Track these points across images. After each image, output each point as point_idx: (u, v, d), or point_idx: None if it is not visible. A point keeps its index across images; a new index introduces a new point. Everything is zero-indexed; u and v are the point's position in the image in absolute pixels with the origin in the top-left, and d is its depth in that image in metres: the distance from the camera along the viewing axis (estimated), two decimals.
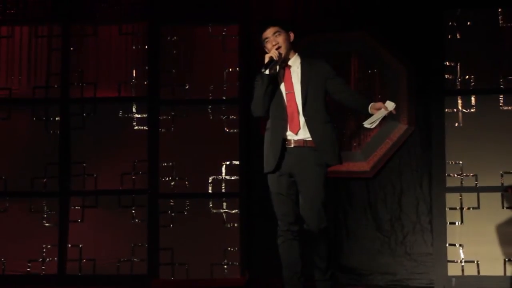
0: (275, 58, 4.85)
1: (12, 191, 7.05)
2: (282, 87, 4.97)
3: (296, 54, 5.04)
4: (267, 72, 4.85)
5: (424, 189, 6.78)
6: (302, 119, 4.92)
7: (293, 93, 4.93)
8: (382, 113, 4.76)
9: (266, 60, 4.86)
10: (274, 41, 4.93)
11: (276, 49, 4.89)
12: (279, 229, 5.07)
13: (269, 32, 4.96)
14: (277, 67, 4.95)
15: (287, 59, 4.99)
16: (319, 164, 4.89)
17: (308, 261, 5.09)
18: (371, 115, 4.81)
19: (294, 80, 4.96)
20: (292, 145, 4.92)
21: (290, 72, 4.98)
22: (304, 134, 4.91)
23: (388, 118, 4.89)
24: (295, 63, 5.01)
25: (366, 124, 4.82)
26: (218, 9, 7.00)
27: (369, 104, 4.82)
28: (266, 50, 4.97)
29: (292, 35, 5.00)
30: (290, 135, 4.92)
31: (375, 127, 4.92)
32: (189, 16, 7.04)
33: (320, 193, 4.87)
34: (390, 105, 4.75)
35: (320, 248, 4.91)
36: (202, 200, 6.94)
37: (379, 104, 4.77)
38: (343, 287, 6.58)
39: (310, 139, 4.90)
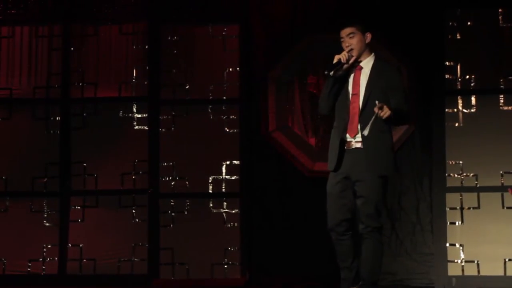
0: (342, 60, 4.86)
1: (13, 191, 7.06)
2: (350, 87, 4.96)
3: (372, 55, 5.00)
4: (331, 73, 4.87)
5: (425, 189, 6.78)
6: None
7: (358, 95, 4.91)
8: (372, 119, 4.76)
9: (335, 61, 4.88)
10: (347, 43, 4.94)
11: (348, 51, 4.90)
12: (328, 227, 5.05)
13: (344, 33, 4.96)
14: (343, 69, 4.90)
15: (359, 60, 4.96)
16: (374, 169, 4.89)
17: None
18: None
19: (362, 82, 4.94)
20: (351, 147, 4.92)
21: (360, 74, 4.97)
22: (361, 137, 4.90)
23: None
24: (367, 65, 4.98)
25: (365, 131, 4.83)
26: (219, 9, 7.01)
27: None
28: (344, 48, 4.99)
29: (369, 36, 4.97)
30: (349, 137, 4.92)
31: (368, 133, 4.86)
32: (189, 16, 7.05)
33: (374, 195, 4.86)
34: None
35: (366, 250, 4.92)
36: (202, 200, 6.95)
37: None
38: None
39: None
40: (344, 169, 4.91)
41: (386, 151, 4.90)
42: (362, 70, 4.97)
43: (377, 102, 4.70)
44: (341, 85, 4.95)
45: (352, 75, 4.97)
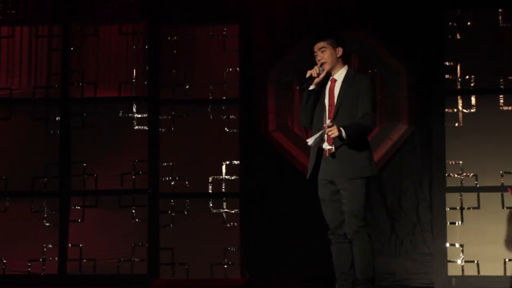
0: (313, 75, 4.99)
1: (13, 191, 7.07)
2: (326, 99, 5.08)
3: (345, 67, 5.12)
4: (303, 88, 5.01)
5: (424, 189, 6.78)
6: None
7: (334, 106, 5.03)
8: (320, 132, 4.90)
9: (307, 75, 5.02)
10: (319, 56, 5.07)
11: (321, 65, 5.02)
12: (328, 232, 5.15)
13: (316, 47, 5.10)
14: (314, 82, 5.01)
15: (331, 73, 5.07)
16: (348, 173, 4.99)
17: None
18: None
19: (336, 94, 5.05)
20: (329, 154, 5.00)
21: (334, 85, 5.08)
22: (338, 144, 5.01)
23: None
24: (340, 76, 5.09)
25: (309, 140, 4.96)
26: (219, 9, 7.01)
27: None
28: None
29: (340, 50, 5.08)
30: (325, 145, 5.01)
31: (313, 144, 4.97)
32: (189, 16, 7.05)
33: (354, 197, 4.95)
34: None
35: (356, 251, 5.00)
36: (202, 200, 6.95)
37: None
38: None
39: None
40: (327, 175, 5.04)
41: (358, 154, 4.98)
42: (336, 82, 5.09)
43: (328, 120, 4.89)
44: (317, 98, 5.08)
45: (327, 88, 5.09)
